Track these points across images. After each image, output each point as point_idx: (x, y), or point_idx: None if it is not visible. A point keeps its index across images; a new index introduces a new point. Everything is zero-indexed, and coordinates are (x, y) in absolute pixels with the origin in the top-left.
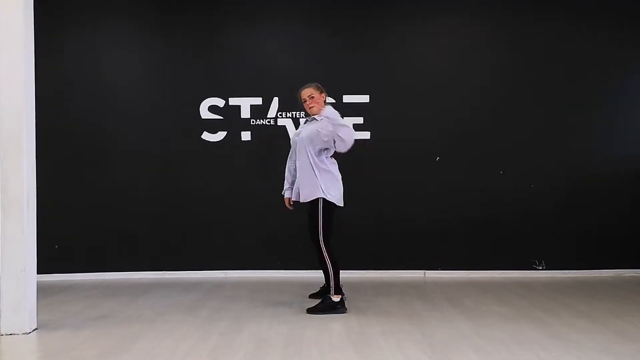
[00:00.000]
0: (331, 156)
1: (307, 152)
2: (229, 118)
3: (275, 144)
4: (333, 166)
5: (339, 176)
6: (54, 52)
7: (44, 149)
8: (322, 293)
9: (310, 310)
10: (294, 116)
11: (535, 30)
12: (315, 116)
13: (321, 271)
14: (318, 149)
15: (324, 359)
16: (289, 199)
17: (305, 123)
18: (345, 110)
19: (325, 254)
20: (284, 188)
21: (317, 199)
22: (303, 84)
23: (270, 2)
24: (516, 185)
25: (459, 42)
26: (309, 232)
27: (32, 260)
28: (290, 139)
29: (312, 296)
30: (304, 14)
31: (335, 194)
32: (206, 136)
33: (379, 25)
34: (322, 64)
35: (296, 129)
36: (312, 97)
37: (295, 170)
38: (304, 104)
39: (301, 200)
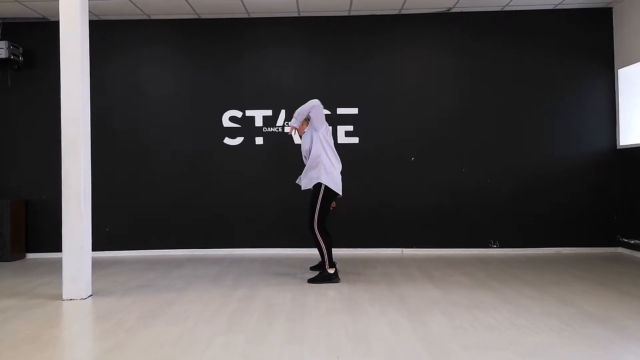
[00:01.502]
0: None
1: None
2: (246, 126)
3: (282, 147)
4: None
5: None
6: (105, 73)
7: (97, 150)
8: (320, 266)
9: (311, 281)
10: None
11: (493, 55)
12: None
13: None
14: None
15: (322, 321)
16: None
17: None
18: (339, 120)
19: (319, 236)
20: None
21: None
22: (305, 100)
23: (279, 33)
24: (476, 180)
25: (430, 66)
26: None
27: (87, 240)
28: (294, 143)
29: (312, 268)
30: (305, 44)
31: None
32: (227, 141)
33: (366, 52)
34: (320, 84)
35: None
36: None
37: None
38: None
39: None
